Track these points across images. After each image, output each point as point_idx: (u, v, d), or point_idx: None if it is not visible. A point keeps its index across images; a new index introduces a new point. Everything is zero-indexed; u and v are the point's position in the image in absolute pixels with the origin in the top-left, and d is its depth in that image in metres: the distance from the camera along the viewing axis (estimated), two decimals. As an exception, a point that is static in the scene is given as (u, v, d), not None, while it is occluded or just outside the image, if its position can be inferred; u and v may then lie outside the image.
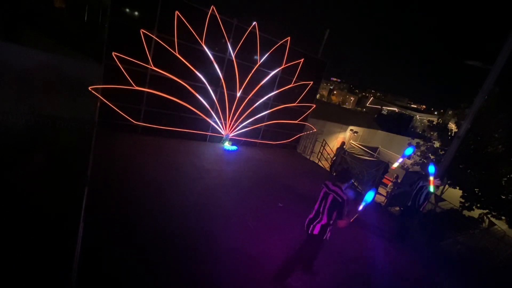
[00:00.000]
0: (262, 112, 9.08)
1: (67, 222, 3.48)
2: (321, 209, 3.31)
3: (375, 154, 15.42)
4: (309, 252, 3.56)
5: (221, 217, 4.55)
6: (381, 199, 10.83)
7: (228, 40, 7.63)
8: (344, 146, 11.28)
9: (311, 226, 3.33)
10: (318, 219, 3.32)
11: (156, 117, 7.43)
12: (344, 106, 49.20)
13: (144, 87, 6.98)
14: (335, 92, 74.14)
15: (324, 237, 3.34)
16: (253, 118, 8.97)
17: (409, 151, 4.70)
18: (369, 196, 3.33)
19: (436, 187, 5.63)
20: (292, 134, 10.36)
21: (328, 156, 12.15)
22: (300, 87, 9.58)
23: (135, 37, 6.47)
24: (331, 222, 3.28)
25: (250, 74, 8.35)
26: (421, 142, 12.91)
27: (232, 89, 8.27)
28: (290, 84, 9.28)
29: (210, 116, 8.22)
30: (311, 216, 3.41)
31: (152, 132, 7.49)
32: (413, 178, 9.73)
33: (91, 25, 8.58)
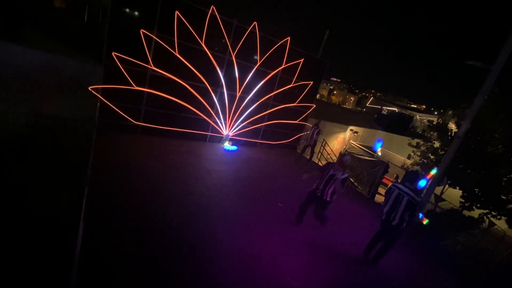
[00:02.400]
0: (262, 112, 9.08)
1: (67, 222, 3.48)
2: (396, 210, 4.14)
3: (375, 154, 15.41)
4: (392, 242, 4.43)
5: (221, 217, 4.55)
6: (381, 199, 10.83)
7: (228, 40, 7.63)
8: (318, 124, 9.43)
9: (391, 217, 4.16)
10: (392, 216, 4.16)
11: (156, 117, 7.42)
12: (344, 106, 49.20)
13: (144, 87, 6.98)
14: (335, 92, 74.17)
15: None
16: (253, 118, 8.97)
17: (423, 182, 4.92)
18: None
19: None
20: (292, 134, 10.36)
21: (328, 156, 12.15)
22: (300, 87, 9.58)
23: (135, 37, 6.47)
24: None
25: (250, 74, 8.35)
26: (421, 142, 12.90)
27: (232, 89, 8.27)
28: (290, 84, 9.28)
29: (210, 116, 8.22)
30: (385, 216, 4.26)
31: (152, 132, 7.49)
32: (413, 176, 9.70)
33: (91, 25, 8.59)
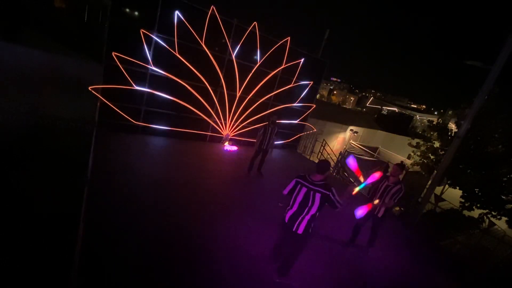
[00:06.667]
0: (262, 112, 9.07)
1: (67, 222, 3.48)
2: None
3: (375, 154, 15.43)
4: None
5: (221, 217, 4.55)
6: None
7: (228, 40, 7.63)
8: (275, 121, 6.50)
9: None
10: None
11: (156, 117, 7.43)
12: (344, 106, 49.21)
13: (144, 87, 6.98)
14: (335, 92, 74.21)
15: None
16: (253, 118, 8.97)
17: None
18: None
19: None
20: (292, 134, 10.36)
21: (328, 156, 12.15)
22: (300, 87, 9.58)
23: (135, 37, 6.47)
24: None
25: (250, 74, 8.35)
26: (421, 142, 12.90)
27: (232, 89, 8.27)
28: (290, 84, 9.28)
29: (210, 116, 8.23)
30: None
31: (152, 132, 7.49)
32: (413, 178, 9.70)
33: (91, 25, 8.59)
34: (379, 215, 4.49)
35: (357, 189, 3.46)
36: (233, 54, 7.85)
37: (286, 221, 3.18)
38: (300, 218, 3.10)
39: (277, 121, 6.61)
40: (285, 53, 8.63)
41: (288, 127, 10.03)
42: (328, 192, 3.02)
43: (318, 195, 3.02)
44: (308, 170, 8.99)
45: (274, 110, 9.16)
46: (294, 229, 3.11)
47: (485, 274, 6.28)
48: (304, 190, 3.09)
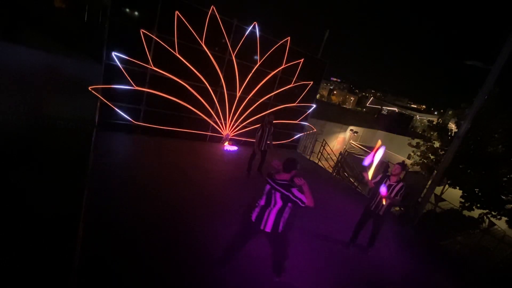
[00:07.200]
0: (262, 112, 9.07)
1: (67, 222, 3.48)
2: None
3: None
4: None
5: (221, 217, 4.55)
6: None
7: (228, 40, 7.63)
8: (272, 121, 6.43)
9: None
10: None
11: (156, 117, 7.42)
12: (344, 106, 49.21)
13: (144, 87, 6.98)
14: (335, 92, 74.23)
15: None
16: (253, 118, 8.97)
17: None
18: None
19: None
20: (292, 134, 10.36)
21: (328, 156, 12.15)
22: (300, 87, 9.58)
23: (135, 37, 6.47)
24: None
25: (250, 74, 8.35)
26: (421, 142, 12.89)
27: (232, 89, 8.27)
28: (290, 84, 9.28)
29: (210, 116, 8.22)
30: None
31: (152, 132, 7.49)
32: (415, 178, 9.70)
33: (91, 25, 8.60)
34: (381, 213, 4.49)
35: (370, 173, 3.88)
36: (233, 54, 7.85)
37: (253, 219, 3.10)
38: (265, 216, 3.02)
39: (274, 121, 6.62)
40: (285, 53, 8.63)
41: (288, 127, 10.03)
42: (287, 193, 2.88)
43: (278, 194, 2.94)
44: (308, 170, 8.99)
45: (273, 110, 9.17)
46: (262, 227, 3.05)
47: (485, 274, 6.28)
48: (267, 188, 3.05)
